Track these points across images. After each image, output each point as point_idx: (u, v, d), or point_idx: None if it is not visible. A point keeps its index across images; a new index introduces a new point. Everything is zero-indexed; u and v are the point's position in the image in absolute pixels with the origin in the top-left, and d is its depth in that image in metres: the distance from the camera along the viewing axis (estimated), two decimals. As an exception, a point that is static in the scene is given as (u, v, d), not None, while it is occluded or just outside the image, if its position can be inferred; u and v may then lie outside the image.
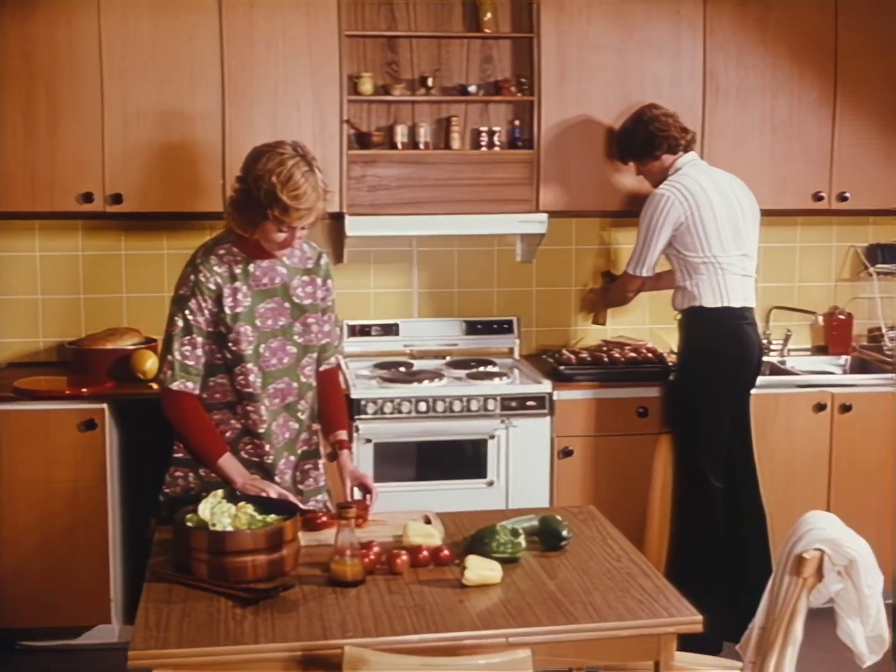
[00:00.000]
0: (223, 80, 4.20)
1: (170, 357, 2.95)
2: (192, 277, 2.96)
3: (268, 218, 2.86)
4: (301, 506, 2.96)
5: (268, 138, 3.05)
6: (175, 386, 2.95)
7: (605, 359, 4.41)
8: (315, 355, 3.13)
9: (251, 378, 2.99)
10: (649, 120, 4.18)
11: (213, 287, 2.95)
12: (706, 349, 4.07)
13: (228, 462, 2.95)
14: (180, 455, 3.06)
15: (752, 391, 4.16)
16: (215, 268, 2.96)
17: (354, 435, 4.10)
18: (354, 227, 4.29)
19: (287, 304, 3.05)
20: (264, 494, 2.86)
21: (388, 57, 4.50)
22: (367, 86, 4.40)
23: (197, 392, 2.98)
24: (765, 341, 4.90)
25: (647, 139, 4.17)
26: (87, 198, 4.18)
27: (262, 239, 2.94)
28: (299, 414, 3.12)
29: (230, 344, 2.97)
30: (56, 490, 4.03)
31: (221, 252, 2.99)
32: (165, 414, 3.02)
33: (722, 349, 4.04)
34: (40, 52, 4.11)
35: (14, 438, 4.01)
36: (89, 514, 4.06)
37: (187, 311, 2.95)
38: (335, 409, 3.24)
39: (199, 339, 2.96)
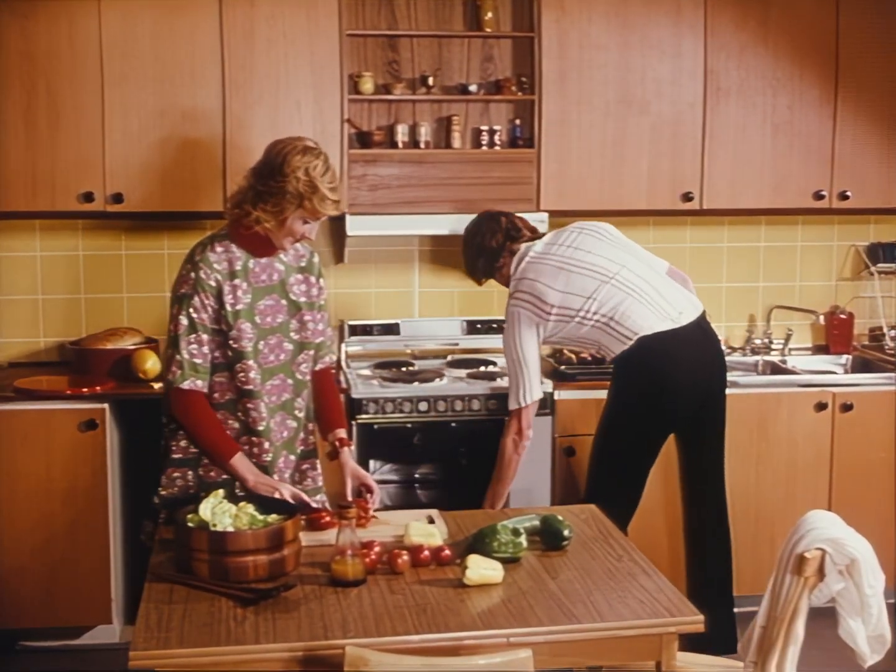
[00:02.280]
0: (224, 80, 4.20)
1: (178, 356, 2.94)
2: (192, 275, 2.96)
3: (303, 207, 2.89)
4: (312, 504, 2.97)
5: (268, 138, 3.05)
6: (186, 385, 2.94)
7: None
8: (311, 352, 3.13)
9: (251, 375, 2.99)
10: (478, 245, 3.95)
11: (213, 284, 2.95)
12: (626, 387, 3.74)
13: (241, 461, 2.95)
14: (178, 456, 3.05)
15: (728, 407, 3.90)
16: (215, 264, 2.97)
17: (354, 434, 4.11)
18: (355, 226, 4.29)
19: (284, 302, 3.06)
20: (276, 494, 2.87)
21: (388, 56, 4.50)
22: (367, 85, 4.40)
23: (206, 390, 2.98)
24: (766, 340, 4.91)
25: (486, 260, 3.93)
26: (88, 197, 4.18)
27: (284, 232, 2.95)
28: (297, 412, 3.12)
29: (231, 341, 2.97)
30: (57, 490, 4.03)
31: (220, 249, 2.99)
32: (175, 414, 3.01)
33: (639, 383, 3.70)
34: (41, 52, 4.11)
35: (15, 438, 4.00)
36: (90, 514, 4.05)
37: (191, 310, 2.95)
38: (333, 407, 3.24)
39: (205, 337, 2.96)
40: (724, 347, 4.86)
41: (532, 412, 3.83)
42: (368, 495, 3.07)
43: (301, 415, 3.14)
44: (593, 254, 3.78)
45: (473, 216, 4.24)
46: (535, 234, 3.95)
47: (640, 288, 3.71)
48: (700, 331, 3.75)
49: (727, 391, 4.11)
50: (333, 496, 3.24)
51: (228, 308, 2.96)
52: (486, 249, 3.93)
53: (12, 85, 4.11)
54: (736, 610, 3.94)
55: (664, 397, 3.68)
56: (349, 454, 3.15)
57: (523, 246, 3.86)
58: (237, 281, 2.98)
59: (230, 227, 3.03)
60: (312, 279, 3.14)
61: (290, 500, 2.88)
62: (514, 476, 3.88)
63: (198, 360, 2.95)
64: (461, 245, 4.07)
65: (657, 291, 3.72)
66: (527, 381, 3.76)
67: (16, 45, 4.10)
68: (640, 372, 3.67)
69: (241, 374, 2.99)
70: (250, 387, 3.00)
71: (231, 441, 2.99)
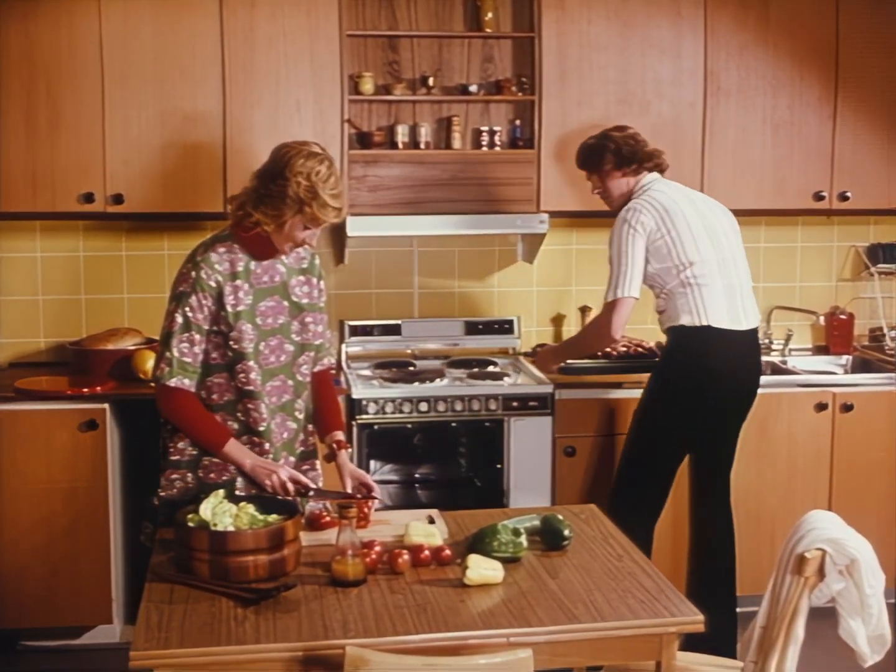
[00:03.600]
0: (224, 80, 4.21)
1: (168, 354, 2.95)
2: (192, 274, 2.96)
3: (303, 213, 2.88)
4: (311, 485, 2.98)
5: (268, 138, 3.07)
6: (172, 383, 2.94)
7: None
8: (312, 354, 3.13)
9: (252, 376, 2.99)
10: (620, 138, 3.93)
11: (213, 284, 2.95)
12: (675, 369, 3.81)
13: (235, 447, 2.96)
14: (176, 458, 3.05)
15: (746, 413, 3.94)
16: (216, 265, 2.96)
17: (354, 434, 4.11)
18: (355, 227, 4.29)
19: (286, 303, 3.06)
20: (275, 477, 2.89)
21: (389, 56, 4.50)
22: (367, 85, 4.40)
23: (193, 390, 2.98)
24: (766, 341, 4.91)
25: (617, 152, 3.89)
26: (88, 198, 4.19)
27: (283, 237, 2.95)
28: (296, 413, 3.12)
29: (232, 342, 2.97)
30: (57, 490, 4.03)
31: (222, 250, 2.99)
32: (162, 411, 3.02)
33: (689, 372, 3.76)
34: (41, 53, 4.11)
35: (15, 439, 4.01)
36: (90, 514, 4.06)
37: (187, 309, 2.94)
38: (331, 409, 3.24)
39: (198, 337, 2.96)
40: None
41: (626, 310, 3.74)
42: (372, 498, 3.05)
43: (301, 416, 3.14)
44: (721, 231, 3.83)
45: (474, 216, 4.25)
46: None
47: (733, 280, 3.78)
48: (754, 340, 3.87)
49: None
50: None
51: (229, 309, 2.96)
52: (604, 146, 3.91)
53: (12, 85, 4.11)
54: (736, 610, 3.94)
55: (712, 390, 3.75)
56: (346, 456, 3.15)
57: (656, 174, 3.92)
58: (238, 282, 2.98)
59: (233, 228, 3.02)
60: (314, 281, 3.14)
61: (288, 483, 2.90)
62: (583, 354, 4.14)
63: (187, 360, 2.95)
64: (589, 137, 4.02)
65: (742, 291, 3.81)
66: (628, 275, 3.72)
67: (16, 46, 4.10)
68: (696, 356, 3.74)
69: (242, 375, 2.99)
70: (251, 388, 3.00)
71: (223, 428, 2.99)
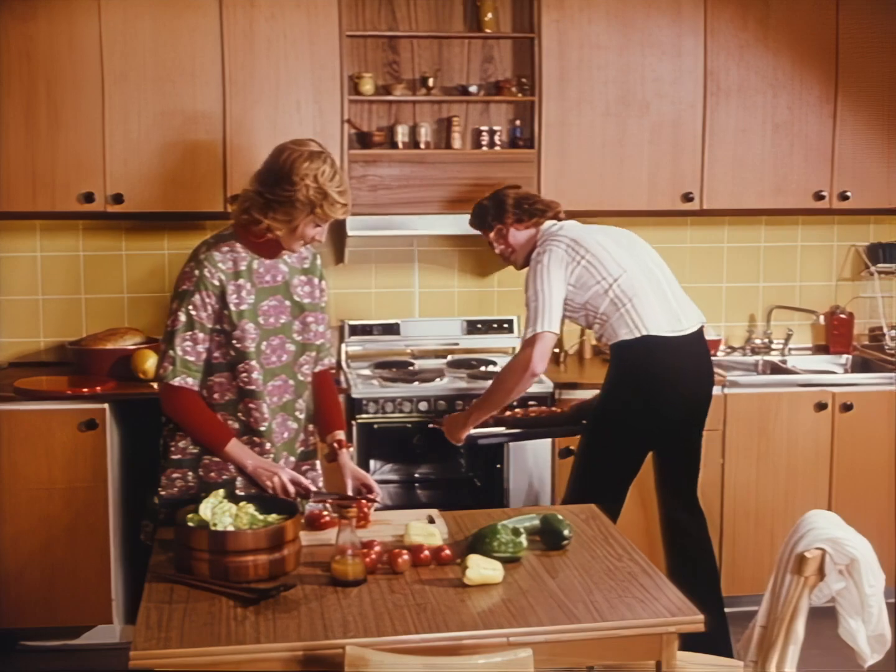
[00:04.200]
0: (224, 80, 4.21)
1: (171, 352, 2.95)
2: (196, 272, 2.95)
3: (314, 214, 2.90)
4: (313, 487, 2.98)
5: (268, 138, 3.06)
6: (176, 382, 2.94)
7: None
8: (313, 354, 3.13)
9: (254, 375, 2.99)
10: (516, 193, 3.87)
11: (216, 283, 2.95)
12: (621, 383, 3.68)
13: (236, 447, 2.97)
14: (177, 457, 3.05)
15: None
16: (219, 264, 2.96)
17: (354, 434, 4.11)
18: (355, 226, 4.29)
19: (288, 303, 3.06)
20: (276, 479, 2.90)
21: (388, 57, 4.50)
22: (367, 86, 4.40)
23: (197, 388, 2.98)
24: (766, 340, 4.91)
25: (517, 205, 3.81)
26: (88, 198, 4.19)
27: (295, 237, 2.95)
28: (297, 413, 3.12)
29: (234, 341, 2.96)
30: (57, 490, 4.03)
31: (225, 248, 2.99)
32: (165, 409, 3.02)
33: (635, 384, 3.64)
34: (41, 52, 4.11)
35: (15, 438, 4.01)
36: (90, 514, 4.06)
37: (190, 307, 2.94)
38: (331, 409, 3.25)
39: (201, 336, 2.96)
40: (724, 347, 4.91)
41: (547, 344, 3.60)
42: (372, 497, 3.05)
43: (302, 416, 3.14)
44: (636, 245, 3.78)
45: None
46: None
47: (662, 286, 3.70)
48: (699, 342, 3.73)
49: (728, 391, 4.14)
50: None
51: (232, 308, 2.96)
52: (502, 200, 3.85)
53: (13, 85, 4.11)
54: (736, 610, 3.94)
55: (662, 399, 3.65)
56: (348, 455, 3.15)
57: (553, 221, 3.83)
58: (241, 281, 2.98)
59: (236, 228, 3.02)
60: (316, 280, 3.14)
61: (289, 485, 2.91)
62: (500, 406, 3.73)
63: (190, 358, 2.95)
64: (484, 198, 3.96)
65: (674, 295, 3.72)
66: (546, 310, 3.59)
67: (16, 46, 4.10)
68: (641, 368, 3.63)
69: (244, 375, 2.99)
70: (252, 387, 3.00)
71: (225, 428, 3.00)
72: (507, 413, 3.93)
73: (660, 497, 3.90)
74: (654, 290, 3.66)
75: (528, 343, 3.60)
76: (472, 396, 4.17)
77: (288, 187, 2.88)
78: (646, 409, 3.64)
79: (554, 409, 4.13)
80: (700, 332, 3.74)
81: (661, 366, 3.62)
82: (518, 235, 3.84)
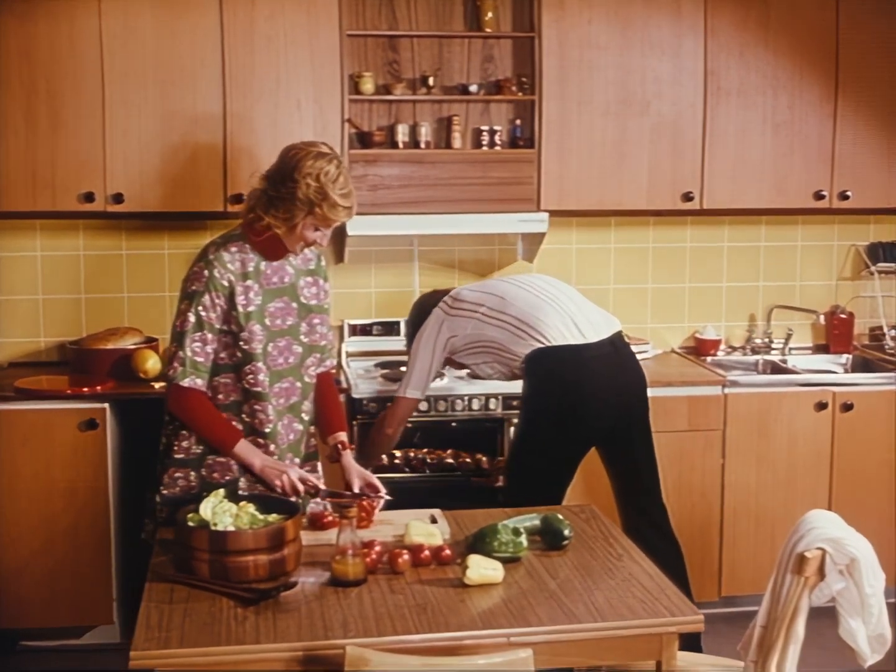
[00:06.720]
0: (224, 80, 4.20)
1: (181, 353, 2.94)
2: (205, 272, 2.95)
3: (313, 214, 2.89)
4: (321, 485, 2.99)
5: (269, 138, 3.06)
6: (186, 383, 2.94)
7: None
8: (319, 356, 3.13)
9: (260, 377, 2.98)
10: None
11: (226, 284, 2.95)
12: (534, 391, 3.62)
13: (245, 447, 2.97)
14: (181, 456, 3.05)
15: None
16: (228, 264, 2.96)
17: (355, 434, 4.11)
18: (356, 226, 4.28)
19: (294, 304, 3.06)
20: (284, 477, 2.90)
21: (389, 56, 4.50)
22: (368, 85, 4.40)
23: (205, 389, 2.98)
24: (766, 340, 4.91)
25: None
26: (89, 197, 4.18)
27: (295, 238, 2.95)
28: (303, 415, 3.12)
29: (242, 343, 2.96)
30: (57, 490, 4.03)
31: (234, 249, 2.99)
32: (173, 410, 3.02)
33: (548, 389, 3.58)
34: (41, 52, 4.10)
35: (15, 438, 4.01)
36: (91, 514, 4.06)
37: (200, 308, 2.94)
38: (333, 410, 3.25)
39: (210, 336, 2.95)
40: (724, 347, 4.89)
41: (404, 410, 3.71)
42: (380, 496, 3.05)
43: (307, 418, 3.15)
44: (522, 278, 3.79)
45: (473, 216, 4.23)
46: None
47: (557, 299, 3.66)
48: (612, 348, 3.64)
49: (728, 391, 4.14)
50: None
51: (240, 309, 2.95)
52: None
53: (13, 85, 4.11)
54: (736, 610, 3.95)
55: (577, 407, 3.56)
56: (351, 456, 3.15)
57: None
58: (249, 282, 2.98)
59: (244, 228, 3.02)
60: (321, 282, 3.14)
61: (298, 484, 2.91)
62: (378, 456, 3.85)
63: (199, 359, 2.95)
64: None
65: (576, 305, 3.67)
66: (413, 376, 3.69)
67: (16, 45, 4.10)
68: (552, 377, 3.57)
69: (250, 377, 2.99)
70: (258, 389, 3.00)
71: (233, 429, 3.00)
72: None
73: (622, 517, 3.78)
74: (553, 309, 3.61)
75: (391, 404, 3.76)
76: (472, 397, 4.18)
77: (290, 184, 2.88)
78: (559, 413, 3.56)
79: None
80: (613, 341, 3.64)
81: (571, 370, 3.54)
82: None
